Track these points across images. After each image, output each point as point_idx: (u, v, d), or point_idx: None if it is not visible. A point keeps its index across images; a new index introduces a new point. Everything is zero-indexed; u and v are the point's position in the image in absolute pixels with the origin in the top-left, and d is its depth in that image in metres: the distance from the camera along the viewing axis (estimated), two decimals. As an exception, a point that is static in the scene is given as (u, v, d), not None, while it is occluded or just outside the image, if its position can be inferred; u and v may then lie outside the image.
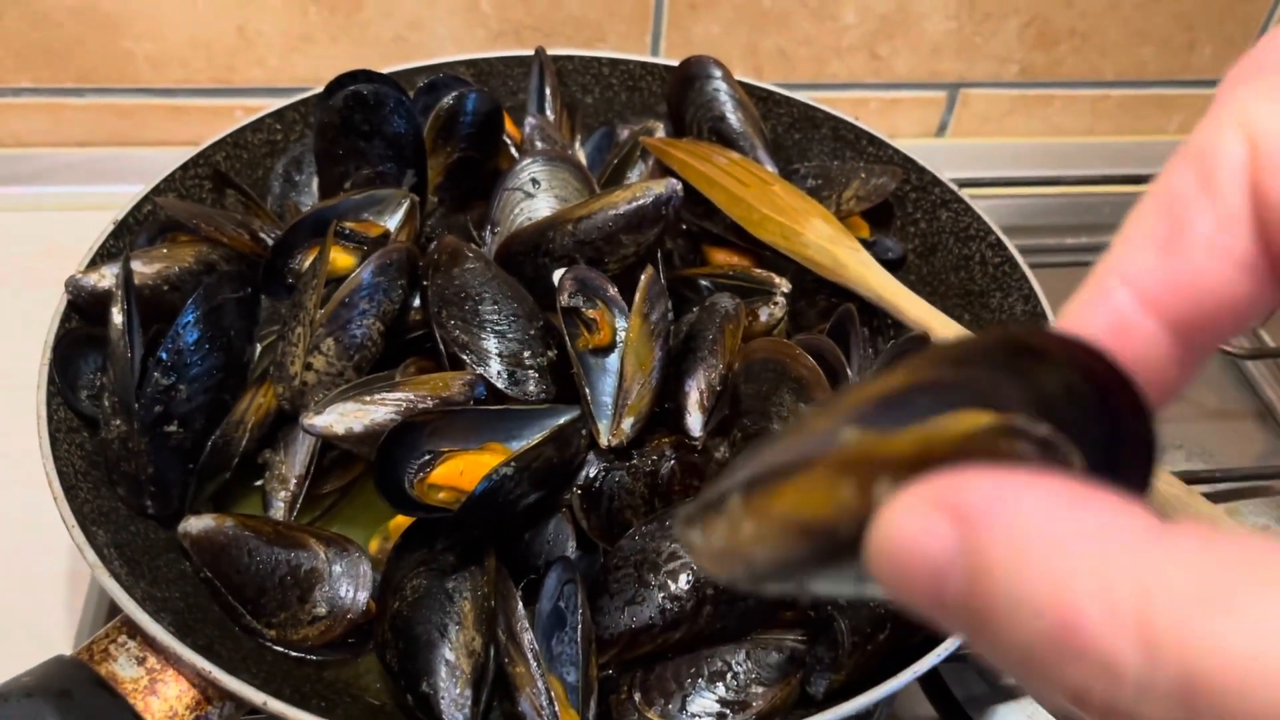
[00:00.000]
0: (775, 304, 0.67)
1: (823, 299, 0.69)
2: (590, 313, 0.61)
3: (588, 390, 0.59)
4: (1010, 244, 0.70)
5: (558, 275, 0.63)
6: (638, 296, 0.61)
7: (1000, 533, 0.17)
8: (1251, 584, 0.15)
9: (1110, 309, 0.19)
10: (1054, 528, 0.17)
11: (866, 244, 0.70)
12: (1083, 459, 0.18)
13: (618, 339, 0.62)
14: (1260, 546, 0.16)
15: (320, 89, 0.70)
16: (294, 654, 0.56)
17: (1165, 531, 0.16)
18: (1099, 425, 0.18)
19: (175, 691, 0.49)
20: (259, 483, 0.63)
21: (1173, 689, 0.15)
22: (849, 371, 0.57)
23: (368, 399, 0.58)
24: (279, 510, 0.61)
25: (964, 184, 0.76)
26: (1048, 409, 0.18)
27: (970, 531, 0.17)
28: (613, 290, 0.63)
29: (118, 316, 0.57)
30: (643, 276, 0.61)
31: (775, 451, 0.19)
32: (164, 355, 0.57)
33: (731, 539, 0.19)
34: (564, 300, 0.61)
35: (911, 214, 0.78)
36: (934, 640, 0.53)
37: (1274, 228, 0.18)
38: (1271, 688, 0.15)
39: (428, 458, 0.57)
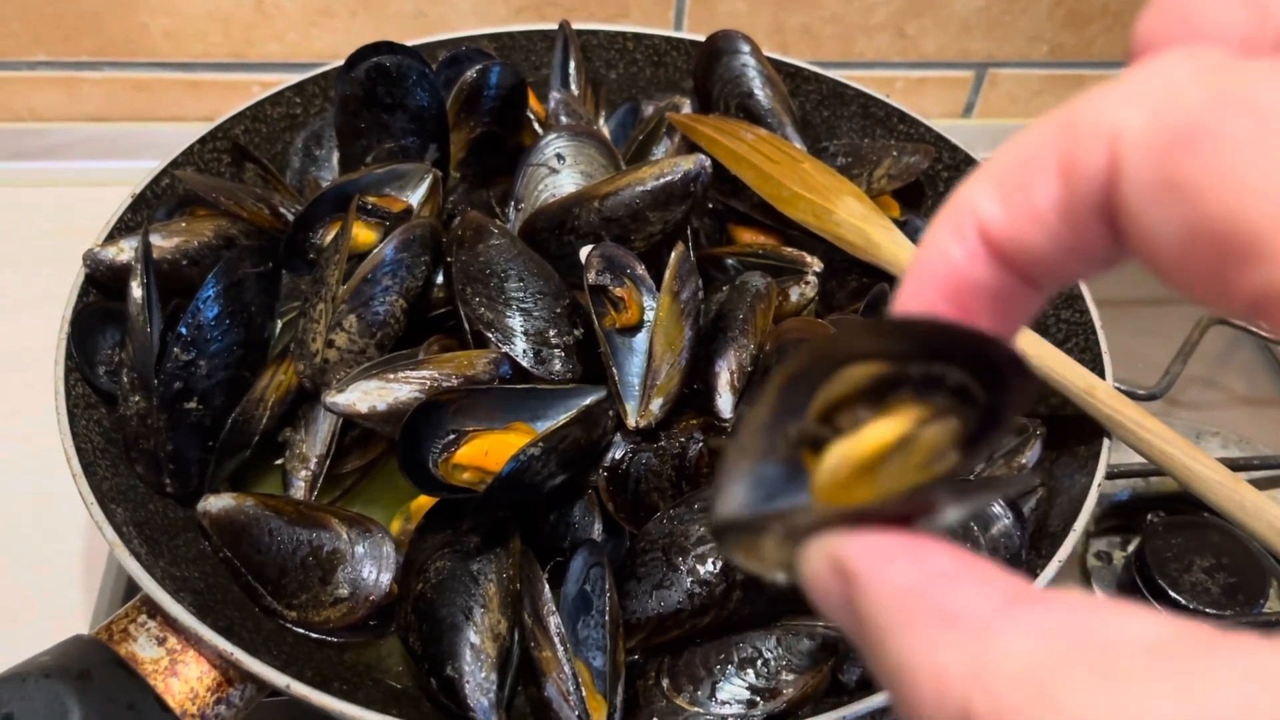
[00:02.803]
0: (807, 283, 0.65)
1: (854, 279, 0.68)
2: (618, 291, 0.60)
3: (615, 370, 0.58)
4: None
5: (584, 252, 0.61)
6: (668, 274, 0.59)
7: (868, 599, 0.19)
8: (1077, 672, 0.16)
9: (959, 246, 0.21)
10: (910, 604, 0.18)
11: (897, 224, 0.68)
12: (967, 375, 0.21)
13: (645, 318, 0.61)
14: (1101, 629, 0.17)
15: (339, 64, 0.68)
16: (315, 636, 0.55)
17: (1015, 607, 0.17)
18: (972, 358, 0.21)
19: (196, 673, 0.48)
20: (279, 461, 0.62)
21: None
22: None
23: (391, 377, 0.56)
24: (299, 490, 0.60)
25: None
26: (922, 355, 0.21)
27: (848, 589, 0.20)
28: (640, 268, 0.61)
29: (137, 290, 0.56)
30: (673, 254, 0.60)
31: (742, 478, 0.23)
32: (184, 331, 0.56)
33: (745, 568, 0.23)
34: (591, 278, 0.60)
35: (943, 193, 0.76)
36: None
37: (1125, 231, 0.18)
38: None
39: (452, 437, 0.55)
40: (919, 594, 0.19)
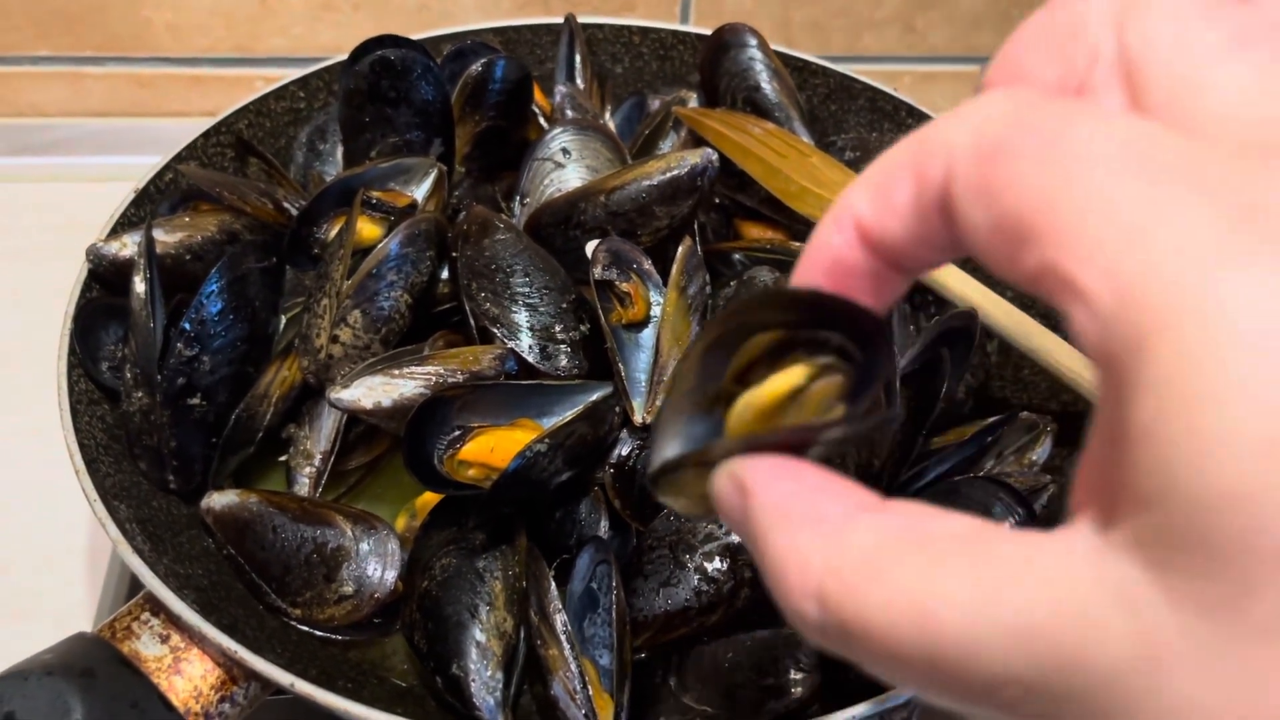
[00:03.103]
0: (815, 278, 0.64)
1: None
2: (624, 286, 0.59)
3: (621, 366, 0.57)
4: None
5: (590, 247, 0.61)
6: (675, 269, 0.59)
7: (756, 506, 0.25)
8: (902, 558, 0.22)
9: (840, 237, 0.27)
10: (786, 509, 0.24)
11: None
12: (846, 339, 0.27)
13: (652, 313, 0.60)
14: (922, 526, 0.22)
15: (342, 58, 0.68)
16: (319, 634, 0.54)
17: (863, 512, 0.23)
18: (848, 325, 0.27)
19: (200, 671, 0.48)
20: (283, 458, 0.62)
21: (836, 635, 0.22)
22: (893, 348, 0.55)
23: (396, 373, 0.56)
24: (303, 486, 0.59)
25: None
26: (810, 323, 0.27)
27: (745, 500, 0.25)
28: (647, 263, 0.61)
29: (140, 286, 0.56)
30: (680, 249, 0.59)
31: (674, 433, 0.29)
32: (187, 326, 0.56)
33: (675, 506, 0.29)
34: (597, 273, 0.59)
35: (952, 188, 0.75)
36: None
37: (955, 224, 0.24)
38: (892, 641, 0.21)
39: (457, 433, 0.55)
40: (794, 501, 0.24)
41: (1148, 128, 0.22)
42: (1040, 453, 0.60)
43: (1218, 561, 0.18)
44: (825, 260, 0.27)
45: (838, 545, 0.23)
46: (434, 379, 0.56)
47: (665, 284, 0.60)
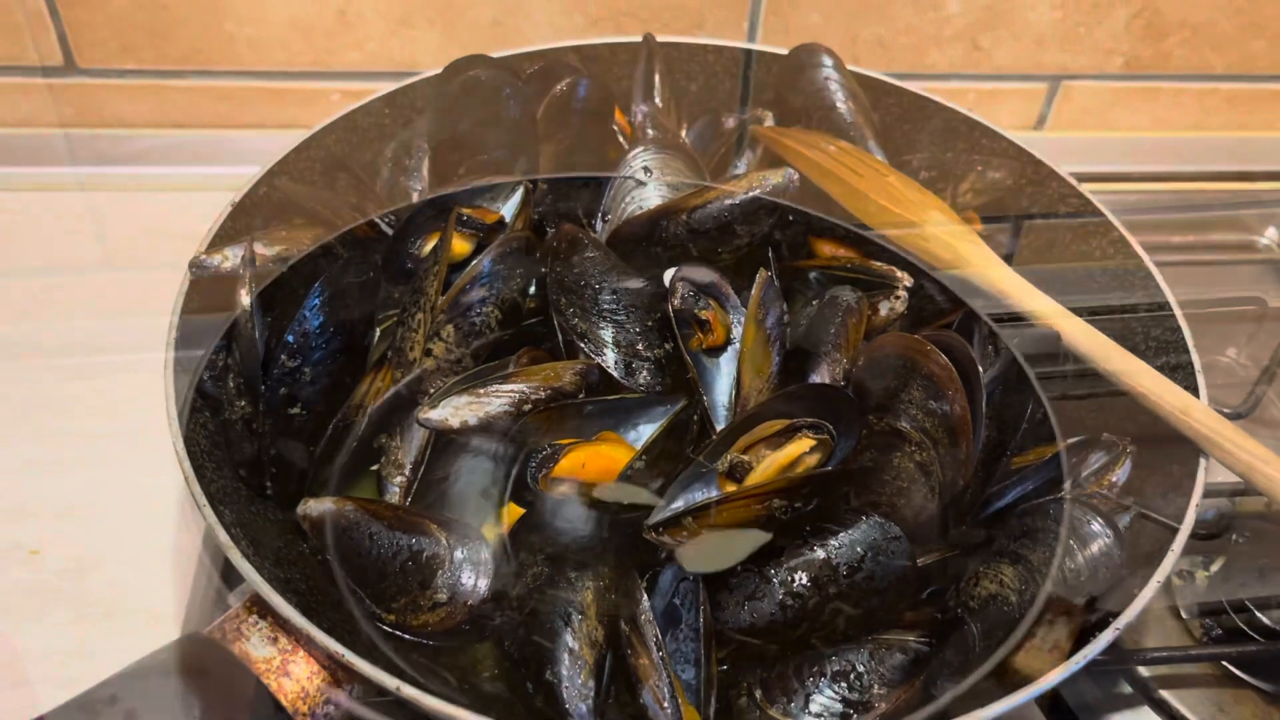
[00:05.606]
0: (897, 298, 0.65)
1: (938, 296, 0.68)
2: (703, 313, 0.60)
3: (704, 395, 0.58)
4: (1135, 241, 0.68)
5: (668, 276, 0.62)
6: (751, 303, 0.60)
7: None
8: None
9: None
10: None
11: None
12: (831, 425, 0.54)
13: (733, 335, 0.61)
14: None
15: (427, 75, 0.69)
16: (411, 639, 0.56)
17: None
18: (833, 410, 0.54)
19: (306, 673, 0.49)
20: (374, 467, 0.63)
21: None
22: (979, 369, 0.56)
23: (481, 391, 0.57)
24: (394, 495, 0.61)
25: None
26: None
27: None
28: (726, 287, 0.62)
29: (245, 299, 0.57)
30: (756, 281, 0.60)
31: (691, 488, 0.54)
32: (290, 339, 0.57)
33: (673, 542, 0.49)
34: (676, 304, 0.60)
35: (1027, 209, 0.76)
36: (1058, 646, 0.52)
37: None
38: None
39: (549, 452, 0.56)
40: None
41: None
42: (1120, 474, 0.61)
43: None
44: None
45: None
46: (518, 396, 0.57)
47: (743, 304, 0.61)
